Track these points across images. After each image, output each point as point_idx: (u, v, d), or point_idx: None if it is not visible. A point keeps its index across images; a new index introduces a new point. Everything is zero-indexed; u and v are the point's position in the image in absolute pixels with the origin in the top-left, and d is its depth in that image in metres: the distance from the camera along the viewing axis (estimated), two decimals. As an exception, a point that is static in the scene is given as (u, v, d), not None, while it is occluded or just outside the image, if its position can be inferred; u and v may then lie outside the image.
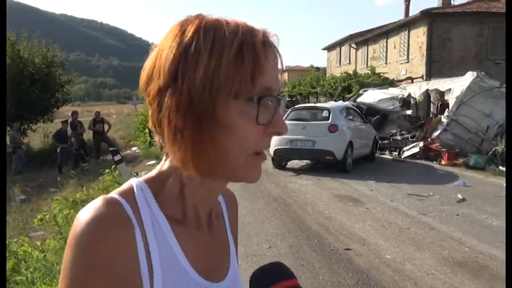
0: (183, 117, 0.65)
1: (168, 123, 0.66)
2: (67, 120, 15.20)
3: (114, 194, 0.70)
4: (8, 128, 15.17)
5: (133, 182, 0.74)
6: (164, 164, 0.75)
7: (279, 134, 0.69)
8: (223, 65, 0.63)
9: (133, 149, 16.36)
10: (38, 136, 19.08)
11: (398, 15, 39.95)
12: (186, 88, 0.64)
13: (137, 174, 10.29)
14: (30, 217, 7.42)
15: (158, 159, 12.11)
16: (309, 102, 30.81)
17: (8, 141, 14.93)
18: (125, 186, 0.73)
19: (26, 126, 18.04)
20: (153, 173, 0.76)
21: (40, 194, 10.79)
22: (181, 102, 0.65)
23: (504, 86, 13.26)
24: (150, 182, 0.74)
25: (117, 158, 7.37)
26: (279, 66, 0.71)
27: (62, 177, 12.33)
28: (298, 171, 11.02)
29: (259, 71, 0.65)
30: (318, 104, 14.54)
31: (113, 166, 8.01)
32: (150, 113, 0.71)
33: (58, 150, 14.15)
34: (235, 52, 0.64)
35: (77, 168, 13.14)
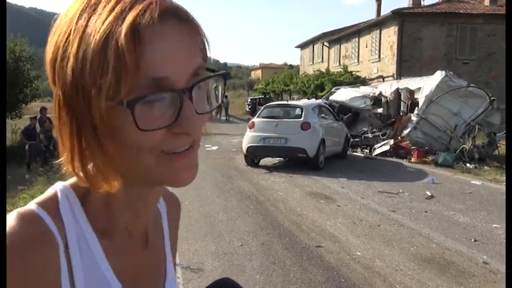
0: (69, 126, 0.57)
1: (59, 131, 0.58)
2: (36, 117, 14.84)
3: (33, 204, 0.60)
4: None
5: (58, 187, 0.64)
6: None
7: (186, 134, 0.58)
8: (87, 61, 0.52)
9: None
10: (6, 133, 18.58)
11: (369, 15, 40.54)
12: (61, 88, 0.56)
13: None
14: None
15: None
16: (282, 99, 30.93)
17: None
18: (48, 193, 0.63)
19: (-10, 123, 17.54)
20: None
21: (8, 192, 10.52)
22: (60, 103, 0.57)
23: (472, 85, 13.60)
24: (77, 187, 0.63)
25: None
26: (188, 42, 0.57)
27: (31, 174, 12.03)
28: (271, 168, 11.06)
29: (126, 68, 0.51)
30: (290, 102, 14.60)
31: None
32: None
33: (26, 147, 13.80)
34: (100, 45, 0.52)
35: (45, 165, 12.83)
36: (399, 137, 13.66)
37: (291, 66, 58.22)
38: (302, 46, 37.44)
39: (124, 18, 0.52)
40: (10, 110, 18.11)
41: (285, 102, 15.06)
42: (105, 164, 0.58)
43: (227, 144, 16.10)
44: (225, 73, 0.64)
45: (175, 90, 0.55)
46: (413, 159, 12.36)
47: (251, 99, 37.54)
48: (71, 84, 0.54)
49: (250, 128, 11.26)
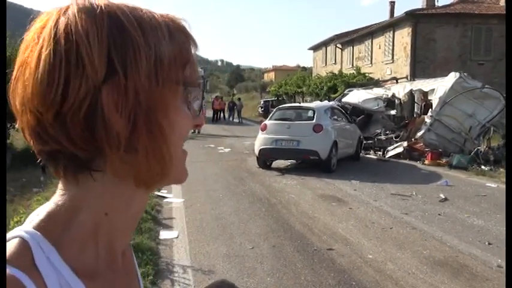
0: (132, 121, 0.53)
1: (110, 131, 0.52)
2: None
3: (9, 266, 0.50)
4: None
5: (23, 236, 0.53)
6: (68, 194, 0.57)
7: (199, 126, 0.63)
8: (163, 51, 0.55)
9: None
10: (21, 135, 18.82)
11: (384, 16, 40.25)
12: (131, 84, 0.52)
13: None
14: (12, 218, 7.32)
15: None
16: (295, 101, 30.92)
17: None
18: (13, 245, 0.52)
19: (8, 126, 17.78)
20: (48, 212, 0.57)
21: (23, 194, 10.65)
22: (127, 101, 0.52)
23: (486, 86, 13.44)
24: (46, 230, 0.55)
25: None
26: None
27: (46, 177, 12.17)
28: (283, 170, 11.04)
29: (190, 54, 0.59)
30: (302, 104, 14.59)
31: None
32: (55, 126, 0.52)
33: None
34: (168, 35, 0.57)
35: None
36: (413, 139, 13.55)
37: (304, 68, 58.13)
38: (315, 48, 37.37)
39: (170, 17, 0.60)
40: (26, 113, 18.33)
41: (297, 104, 15.05)
42: (165, 156, 0.57)
43: (239, 146, 16.12)
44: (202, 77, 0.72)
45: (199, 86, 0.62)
46: (427, 162, 12.25)
47: (264, 101, 37.54)
48: (144, 71, 0.53)
49: (262, 130, 11.27)
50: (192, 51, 0.61)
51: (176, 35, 0.58)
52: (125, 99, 0.52)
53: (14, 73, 0.55)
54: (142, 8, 0.57)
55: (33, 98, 0.52)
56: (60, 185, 0.58)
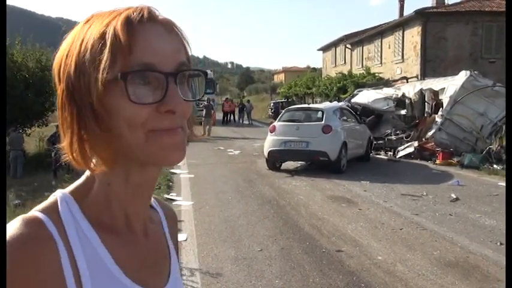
0: (70, 114, 0.65)
1: (62, 124, 0.67)
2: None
3: (36, 211, 0.66)
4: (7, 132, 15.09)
5: (57, 194, 0.70)
6: (88, 172, 0.72)
7: (172, 112, 0.65)
8: (88, 49, 0.63)
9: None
10: (33, 140, 19.01)
11: (393, 15, 40.02)
12: (65, 81, 0.65)
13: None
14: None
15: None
16: (305, 103, 30.85)
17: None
18: (49, 200, 0.69)
19: (20, 131, 17.98)
20: (79, 181, 0.73)
21: (35, 199, 10.74)
22: (63, 97, 0.66)
23: (498, 85, 13.29)
24: (75, 192, 0.71)
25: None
26: (173, 41, 0.68)
27: (57, 181, 12.27)
28: (293, 172, 11.00)
29: (120, 49, 0.62)
30: (311, 105, 14.56)
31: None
32: None
33: (52, 154, 14.08)
34: (99, 34, 0.63)
35: (71, 172, 13.07)
36: (423, 139, 13.43)
37: (314, 69, 57.94)
38: (324, 49, 37.25)
39: (120, 14, 0.65)
40: (37, 118, 18.53)
41: (305, 105, 15.03)
42: (102, 142, 0.65)
43: (249, 148, 16.11)
44: (205, 71, 0.74)
45: (162, 72, 0.64)
46: (438, 161, 12.13)
47: (274, 103, 37.48)
48: (74, 73, 0.64)
49: (271, 132, 11.25)
50: (143, 43, 0.64)
51: (108, 33, 0.63)
52: (63, 94, 0.66)
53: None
54: (113, 11, 0.67)
55: None
56: None
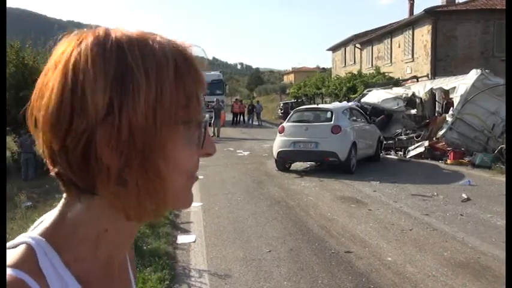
0: (124, 157, 0.55)
1: (101, 165, 0.55)
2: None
3: (10, 268, 0.53)
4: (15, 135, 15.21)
5: (29, 242, 0.57)
6: (72, 208, 0.61)
7: (209, 155, 0.64)
8: (164, 90, 0.55)
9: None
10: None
11: (402, 15, 39.75)
12: (125, 123, 0.54)
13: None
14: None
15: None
16: (314, 103, 30.77)
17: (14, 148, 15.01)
18: (19, 251, 0.56)
19: (31, 133, 18.12)
20: (51, 220, 0.61)
21: (46, 201, 10.83)
22: (120, 139, 0.54)
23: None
24: (50, 237, 0.59)
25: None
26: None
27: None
28: (302, 173, 10.97)
29: (202, 90, 0.60)
30: (320, 105, 14.50)
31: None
32: (58, 152, 0.56)
33: None
34: (173, 72, 0.57)
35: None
36: (434, 139, 13.32)
37: (324, 69, 57.72)
38: (334, 49, 37.11)
39: (180, 48, 0.59)
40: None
41: (314, 106, 14.97)
42: (154, 191, 0.58)
43: (259, 149, 16.10)
44: None
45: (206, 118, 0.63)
46: (449, 161, 12.03)
47: (283, 103, 37.40)
48: (142, 112, 0.54)
49: (280, 133, 11.23)
50: (199, 87, 0.61)
51: (183, 73, 0.58)
52: (117, 137, 0.54)
53: (35, 92, 0.58)
54: (153, 40, 0.58)
55: (45, 127, 0.57)
56: (65, 195, 0.62)
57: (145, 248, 5.06)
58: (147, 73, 0.55)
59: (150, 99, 0.54)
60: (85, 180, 0.57)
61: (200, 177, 10.41)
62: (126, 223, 0.62)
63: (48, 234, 0.59)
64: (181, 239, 5.82)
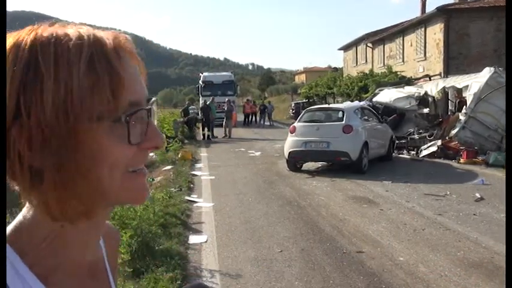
0: (38, 156, 0.55)
1: (20, 165, 0.55)
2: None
3: None
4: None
5: None
6: (28, 210, 0.61)
7: (155, 148, 0.61)
8: (74, 87, 0.54)
9: (150, 154, 16.57)
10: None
11: (414, 13, 39.52)
12: (35, 123, 0.54)
13: (153, 179, 10.36)
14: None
15: (174, 163, 12.21)
16: (326, 103, 30.69)
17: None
18: None
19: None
20: (15, 225, 0.61)
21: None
22: (32, 139, 0.54)
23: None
24: (12, 240, 0.59)
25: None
26: (141, 73, 0.63)
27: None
28: (313, 173, 10.94)
29: (120, 84, 0.56)
30: (331, 105, 14.48)
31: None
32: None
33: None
34: (85, 68, 0.55)
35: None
36: (447, 138, 13.20)
37: (335, 69, 57.51)
38: (345, 48, 36.98)
39: (101, 42, 0.57)
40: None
41: (325, 105, 14.93)
42: (81, 188, 0.57)
43: (270, 149, 16.10)
44: (156, 99, 0.67)
45: (146, 108, 0.60)
46: (462, 160, 11.91)
47: (295, 103, 37.39)
48: (51, 111, 0.53)
49: (291, 133, 11.22)
50: (129, 76, 0.58)
51: (99, 67, 0.55)
52: (29, 138, 0.54)
53: None
54: (72, 36, 0.56)
55: None
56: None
57: (157, 248, 5.08)
58: (57, 72, 0.54)
59: (58, 98, 0.53)
60: (19, 183, 0.58)
61: (212, 177, 10.47)
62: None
63: (10, 237, 0.59)
64: (193, 239, 5.84)
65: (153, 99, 0.64)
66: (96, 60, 0.55)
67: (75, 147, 0.55)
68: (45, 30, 0.57)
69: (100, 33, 0.59)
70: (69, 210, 0.58)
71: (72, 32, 0.57)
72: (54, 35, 0.56)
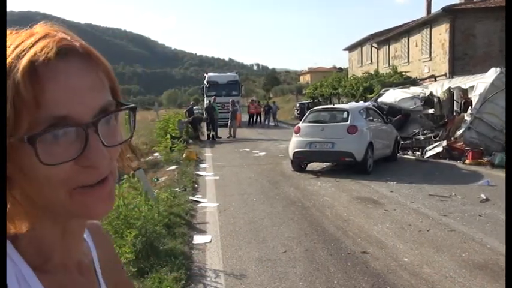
0: None
1: None
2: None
3: None
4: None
5: None
6: None
7: (94, 167, 0.58)
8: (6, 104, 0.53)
9: (155, 154, 16.57)
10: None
11: (419, 13, 39.40)
12: None
13: (157, 179, 10.39)
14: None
15: (179, 164, 12.23)
16: (331, 103, 30.67)
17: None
18: None
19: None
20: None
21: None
22: None
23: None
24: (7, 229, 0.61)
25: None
26: (91, 77, 0.58)
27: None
28: (318, 173, 10.92)
29: (24, 104, 0.53)
30: (336, 105, 14.46)
31: (132, 172, 8.08)
32: None
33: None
34: (10, 84, 0.54)
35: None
36: (452, 138, 13.15)
37: (340, 69, 57.45)
38: (350, 48, 36.93)
39: (22, 56, 0.54)
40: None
41: (330, 106, 14.91)
42: (18, 203, 0.59)
43: (275, 149, 16.09)
44: (133, 107, 0.64)
45: (79, 125, 0.56)
46: (467, 161, 11.86)
47: (299, 104, 37.39)
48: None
49: (296, 133, 11.22)
50: (50, 90, 0.55)
51: (8, 84, 0.54)
52: None
53: None
54: (12, 44, 0.56)
55: None
56: None
57: (161, 248, 5.10)
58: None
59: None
60: None
61: (216, 177, 10.48)
62: (47, 223, 0.63)
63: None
64: (197, 239, 5.85)
65: (128, 106, 0.63)
66: (10, 79, 0.54)
67: (10, 163, 0.55)
68: (10, 37, 0.58)
69: (34, 46, 0.56)
70: (18, 223, 0.60)
71: (18, 41, 0.57)
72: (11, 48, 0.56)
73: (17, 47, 0.56)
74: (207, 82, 29.31)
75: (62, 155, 0.56)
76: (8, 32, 0.58)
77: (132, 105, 0.64)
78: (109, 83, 0.62)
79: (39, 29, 0.59)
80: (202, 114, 22.02)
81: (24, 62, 0.54)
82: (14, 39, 0.57)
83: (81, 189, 0.59)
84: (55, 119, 0.54)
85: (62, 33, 0.59)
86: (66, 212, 0.61)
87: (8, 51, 0.56)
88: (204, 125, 22.22)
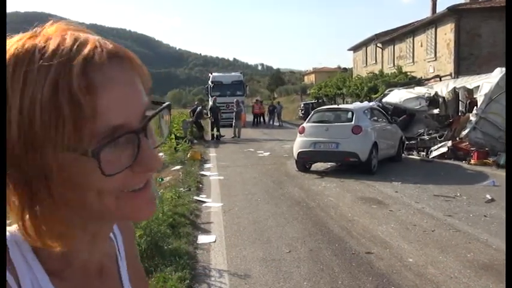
0: (16, 187, 0.54)
1: (8, 199, 0.55)
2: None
3: None
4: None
5: (6, 235, 0.59)
6: None
7: (150, 171, 0.58)
8: (36, 118, 0.50)
9: (160, 154, 16.65)
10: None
11: (424, 13, 39.31)
12: (9, 151, 0.52)
13: (162, 179, 10.40)
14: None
15: (183, 164, 12.25)
16: (335, 103, 30.62)
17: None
18: None
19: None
20: None
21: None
22: (13, 171, 0.53)
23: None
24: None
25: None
26: (136, 82, 0.57)
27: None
28: (322, 173, 10.91)
29: (82, 117, 0.50)
30: (341, 106, 14.44)
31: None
32: None
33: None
34: (48, 95, 0.50)
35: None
36: (457, 138, 13.11)
37: (345, 69, 57.35)
38: (355, 48, 36.89)
39: (71, 62, 0.50)
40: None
41: (335, 106, 14.90)
42: (59, 217, 0.57)
43: (279, 150, 16.09)
44: (169, 104, 0.63)
45: (133, 131, 0.55)
46: (472, 161, 11.82)
47: (304, 104, 37.36)
48: (18, 141, 0.51)
49: (300, 133, 11.21)
50: (108, 98, 0.52)
51: (61, 96, 0.50)
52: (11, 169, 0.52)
53: None
54: (44, 45, 0.52)
55: None
56: None
57: (166, 247, 5.11)
58: (22, 97, 0.50)
59: (23, 125, 0.50)
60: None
61: (220, 177, 10.50)
62: (84, 229, 0.62)
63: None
64: (202, 239, 5.86)
65: (165, 104, 0.61)
66: (60, 86, 0.50)
67: (47, 176, 0.53)
68: (26, 43, 0.53)
69: (79, 46, 0.53)
70: (43, 233, 0.56)
71: (50, 44, 0.53)
72: (32, 49, 0.52)
73: (55, 52, 0.51)
74: (212, 82, 29.35)
75: (121, 164, 0.54)
76: (19, 35, 0.55)
77: (167, 102, 0.62)
78: (145, 83, 0.61)
79: (65, 31, 0.55)
80: (207, 114, 22.05)
81: (77, 69, 0.50)
82: (43, 42, 0.53)
83: (130, 193, 0.58)
84: (114, 128, 0.53)
85: (93, 36, 0.56)
86: (111, 217, 0.60)
87: (44, 58, 0.51)
88: (205, 122, 22.23)
